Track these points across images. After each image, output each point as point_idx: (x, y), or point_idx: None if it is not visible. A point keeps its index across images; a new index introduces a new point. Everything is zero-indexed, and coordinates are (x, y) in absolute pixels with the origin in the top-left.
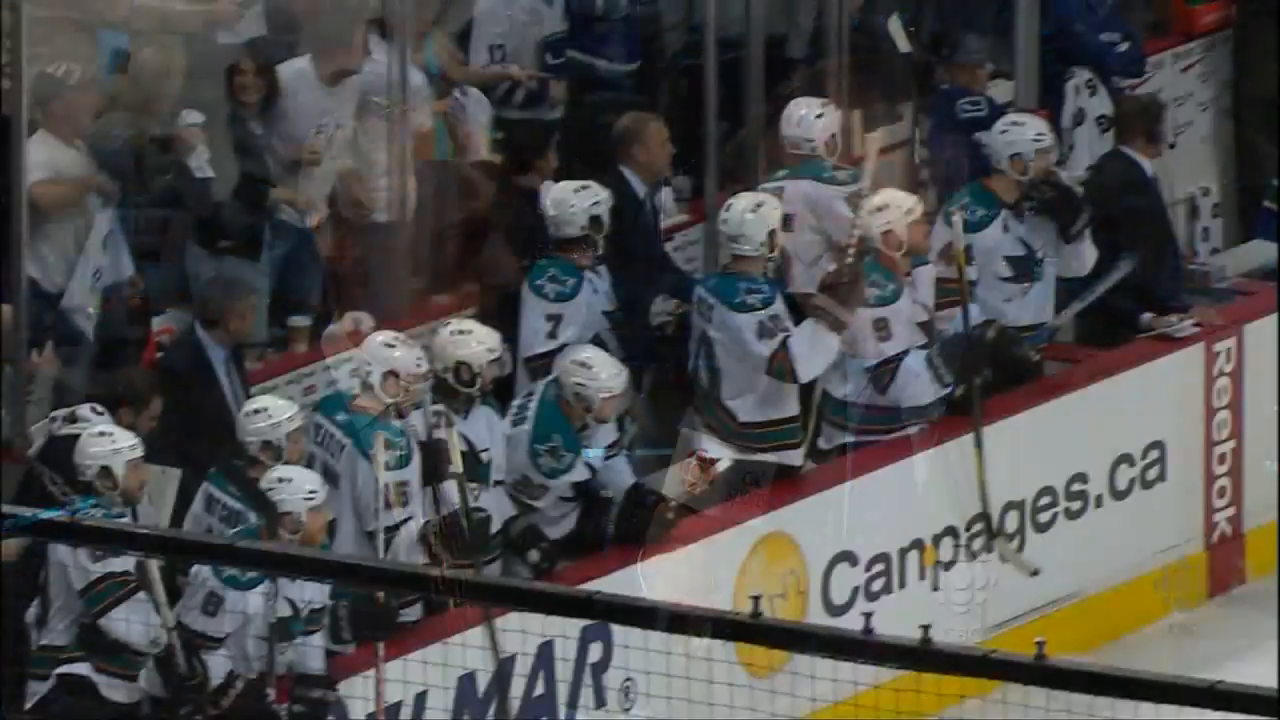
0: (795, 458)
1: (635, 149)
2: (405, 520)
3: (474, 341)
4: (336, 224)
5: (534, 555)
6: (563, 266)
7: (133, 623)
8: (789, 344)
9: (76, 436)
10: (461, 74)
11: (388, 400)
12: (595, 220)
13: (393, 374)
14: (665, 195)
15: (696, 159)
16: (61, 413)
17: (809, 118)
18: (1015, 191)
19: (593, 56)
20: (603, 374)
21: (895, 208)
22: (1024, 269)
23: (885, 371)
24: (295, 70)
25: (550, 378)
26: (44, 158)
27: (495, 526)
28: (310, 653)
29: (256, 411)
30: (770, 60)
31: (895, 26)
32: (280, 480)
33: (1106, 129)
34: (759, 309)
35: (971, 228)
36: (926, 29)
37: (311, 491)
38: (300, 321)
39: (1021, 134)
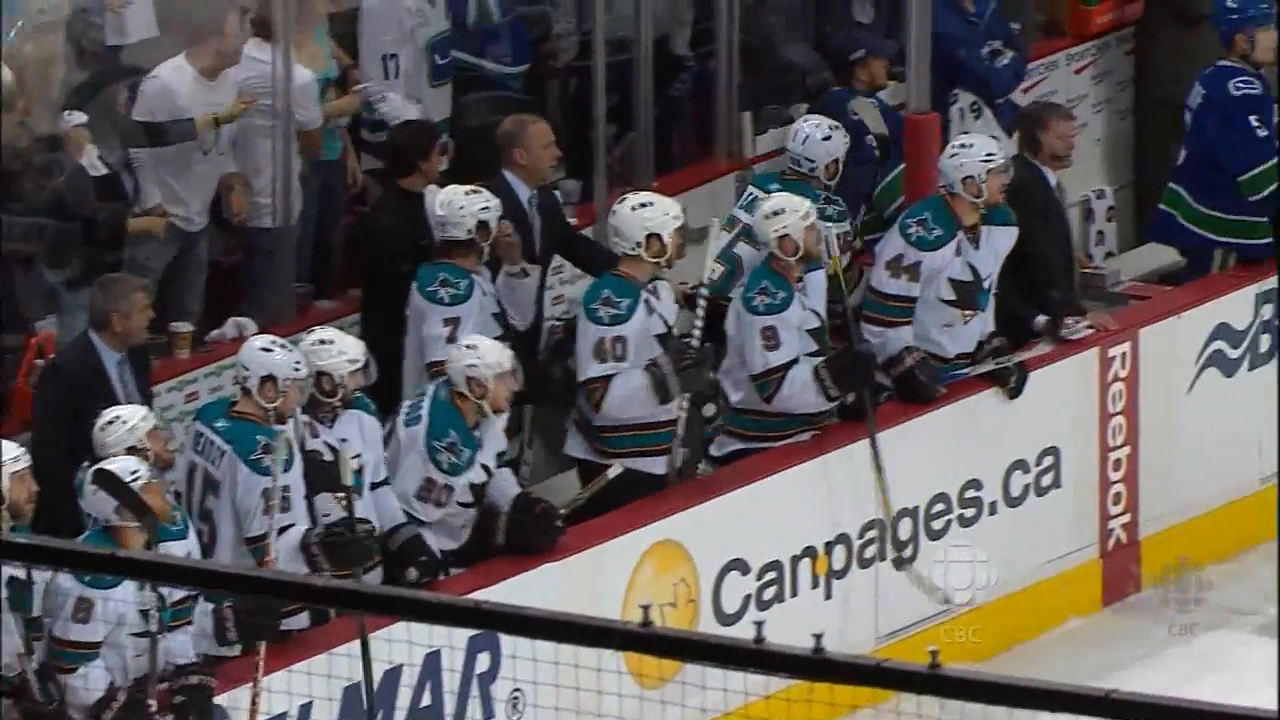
0: (658, 465)
1: (516, 152)
2: (287, 527)
3: (335, 351)
4: (220, 228)
5: (412, 573)
6: (450, 270)
7: None
8: (613, 382)
9: None
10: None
11: (266, 405)
12: (483, 225)
13: (270, 379)
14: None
15: (585, 162)
16: None
17: (815, 138)
18: (974, 214)
19: (479, 58)
20: (490, 351)
21: (791, 212)
22: (968, 296)
23: (771, 381)
24: (173, 68)
25: (442, 379)
26: None
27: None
28: (180, 644)
29: (110, 422)
30: (659, 59)
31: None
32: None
33: None
34: (605, 325)
35: (926, 245)
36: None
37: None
38: (182, 327)
39: (971, 155)
